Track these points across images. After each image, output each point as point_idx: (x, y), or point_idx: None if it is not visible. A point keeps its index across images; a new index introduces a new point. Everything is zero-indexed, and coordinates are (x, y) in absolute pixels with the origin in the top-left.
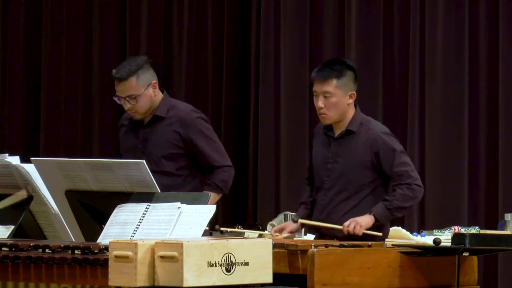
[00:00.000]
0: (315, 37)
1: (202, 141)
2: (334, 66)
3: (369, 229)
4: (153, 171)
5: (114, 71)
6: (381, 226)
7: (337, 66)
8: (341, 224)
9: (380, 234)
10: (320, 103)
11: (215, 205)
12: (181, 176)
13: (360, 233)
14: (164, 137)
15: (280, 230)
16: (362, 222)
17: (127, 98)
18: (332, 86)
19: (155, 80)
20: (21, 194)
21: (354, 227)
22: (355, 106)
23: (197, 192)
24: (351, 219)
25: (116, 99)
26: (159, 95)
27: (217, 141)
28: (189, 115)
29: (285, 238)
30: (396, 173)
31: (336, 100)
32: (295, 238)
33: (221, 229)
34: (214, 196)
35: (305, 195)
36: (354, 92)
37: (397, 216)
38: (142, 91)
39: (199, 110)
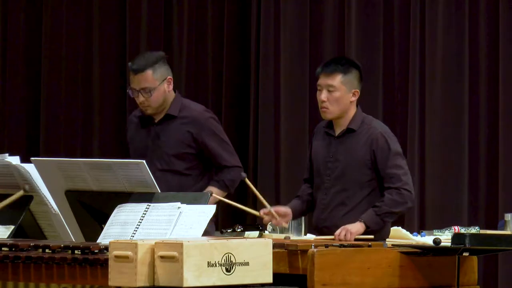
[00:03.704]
0: (315, 37)
1: (214, 141)
2: (341, 62)
3: (361, 235)
4: (163, 170)
5: (130, 63)
6: (372, 230)
7: (344, 62)
8: (343, 225)
9: (372, 237)
10: (323, 96)
11: (215, 205)
12: (190, 176)
13: (352, 240)
14: (176, 136)
15: (269, 213)
16: (353, 229)
17: (141, 91)
18: (337, 80)
19: (170, 76)
20: (18, 195)
21: (345, 235)
22: (357, 105)
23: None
24: (342, 227)
25: (129, 92)
26: (172, 93)
27: (228, 142)
28: (201, 115)
29: (273, 217)
30: (388, 174)
31: (340, 95)
32: (292, 238)
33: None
34: (219, 193)
35: (300, 191)
36: (358, 90)
37: (388, 221)
38: (157, 84)
39: (211, 111)
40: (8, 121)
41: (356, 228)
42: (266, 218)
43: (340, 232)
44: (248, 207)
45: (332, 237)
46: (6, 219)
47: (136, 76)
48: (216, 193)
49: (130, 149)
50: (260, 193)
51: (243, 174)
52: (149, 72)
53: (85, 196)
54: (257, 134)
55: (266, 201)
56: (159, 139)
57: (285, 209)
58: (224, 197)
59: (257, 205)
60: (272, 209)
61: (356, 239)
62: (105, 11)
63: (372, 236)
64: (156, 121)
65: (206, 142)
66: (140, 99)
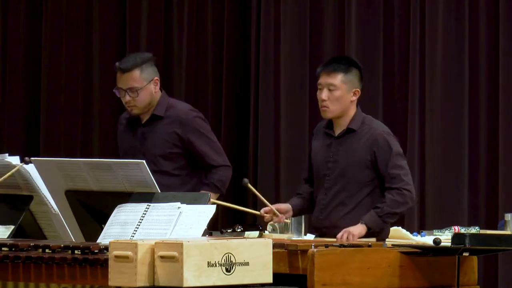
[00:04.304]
0: (315, 37)
1: (200, 140)
2: (342, 61)
3: (363, 237)
4: (151, 171)
5: (117, 63)
6: (373, 232)
7: (344, 61)
8: (342, 226)
9: (374, 239)
10: (323, 95)
11: (215, 205)
12: (179, 176)
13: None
14: (162, 136)
15: (270, 211)
16: (355, 231)
17: (128, 91)
18: (338, 79)
19: (157, 77)
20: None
21: (347, 238)
22: (357, 105)
23: (194, 192)
24: (344, 230)
25: (116, 92)
26: (159, 94)
27: (215, 141)
28: (187, 114)
29: (274, 215)
30: (389, 174)
31: (340, 94)
32: (293, 238)
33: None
34: (211, 195)
35: (300, 189)
36: (359, 90)
37: (390, 222)
38: (144, 84)
39: (197, 110)
40: (8, 121)
41: (358, 230)
42: (267, 216)
43: (342, 235)
44: (248, 207)
45: (334, 240)
46: (6, 219)
47: (123, 75)
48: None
49: (119, 151)
50: (260, 193)
51: (245, 180)
52: (136, 72)
53: (85, 196)
54: (257, 135)
55: (267, 200)
56: (146, 140)
57: (286, 206)
58: (219, 198)
59: (258, 206)
60: (273, 207)
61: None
62: (105, 12)
63: (374, 239)
64: (143, 122)
65: (192, 140)
66: (127, 98)
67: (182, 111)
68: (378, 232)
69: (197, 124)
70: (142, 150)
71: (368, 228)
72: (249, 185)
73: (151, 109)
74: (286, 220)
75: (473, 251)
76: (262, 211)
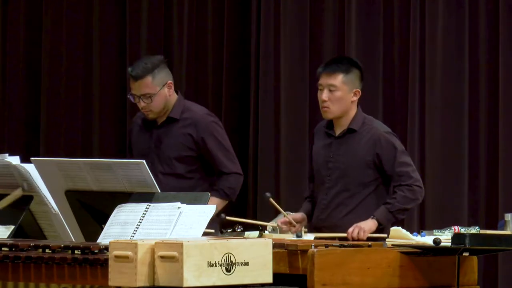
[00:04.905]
0: (315, 37)
1: (214, 145)
2: (342, 61)
3: (373, 233)
4: (164, 173)
5: (129, 69)
6: (383, 227)
7: (345, 62)
8: (343, 226)
9: (385, 235)
10: (324, 96)
11: (215, 205)
12: (192, 179)
13: (365, 238)
14: (177, 139)
15: (287, 222)
16: (366, 227)
17: (141, 97)
18: (338, 80)
19: (170, 80)
20: (17, 193)
21: (358, 233)
22: (357, 105)
23: None
24: (355, 225)
25: (130, 97)
26: (174, 96)
27: (229, 148)
28: (204, 118)
29: (291, 225)
30: (397, 173)
31: (341, 94)
32: (293, 238)
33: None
34: (220, 202)
35: (308, 191)
36: (359, 90)
37: (400, 218)
38: (158, 90)
39: (214, 114)
40: (8, 121)
41: (368, 225)
42: (284, 227)
43: (353, 230)
44: (248, 211)
45: (345, 235)
46: (6, 219)
47: (136, 82)
48: (217, 203)
49: (133, 152)
50: (260, 193)
51: (268, 194)
52: (148, 78)
53: (85, 196)
54: (257, 135)
55: (267, 200)
56: (161, 142)
57: (301, 215)
58: (227, 206)
59: (258, 211)
60: (290, 217)
61: (369, 238)
62: (105, 12)
63: (386, 235)
64: (158, 124)
65: (206, 144)
66: (141, 104)
67: (198, 114)
68: (386, 227)
69: (212, 129)
70: (157, 152)
71: (379, 224)
72: (271, 200)
73: (167, 111)
74: (304, 229)
75: (473, 251)
76: (279, 222)
